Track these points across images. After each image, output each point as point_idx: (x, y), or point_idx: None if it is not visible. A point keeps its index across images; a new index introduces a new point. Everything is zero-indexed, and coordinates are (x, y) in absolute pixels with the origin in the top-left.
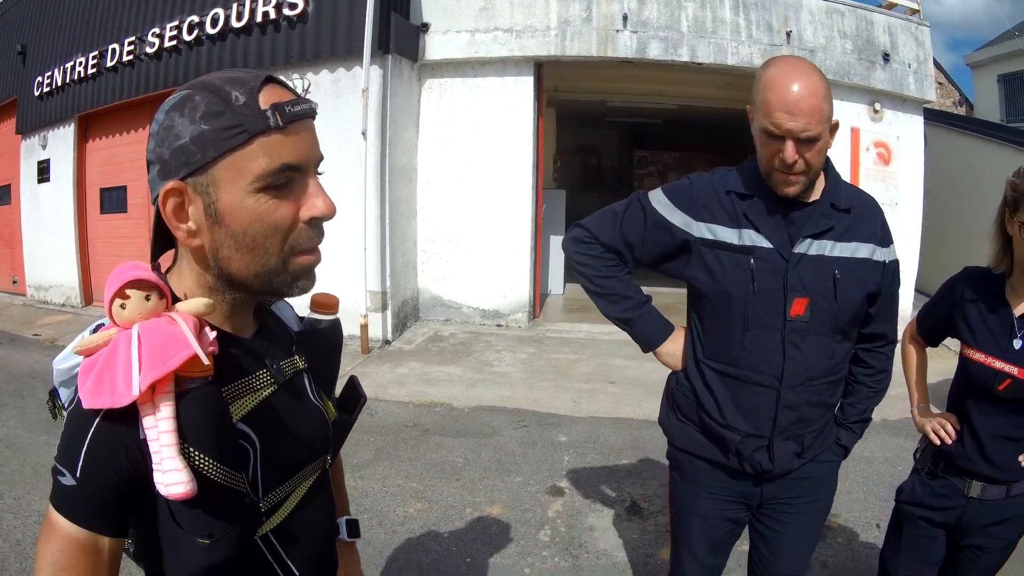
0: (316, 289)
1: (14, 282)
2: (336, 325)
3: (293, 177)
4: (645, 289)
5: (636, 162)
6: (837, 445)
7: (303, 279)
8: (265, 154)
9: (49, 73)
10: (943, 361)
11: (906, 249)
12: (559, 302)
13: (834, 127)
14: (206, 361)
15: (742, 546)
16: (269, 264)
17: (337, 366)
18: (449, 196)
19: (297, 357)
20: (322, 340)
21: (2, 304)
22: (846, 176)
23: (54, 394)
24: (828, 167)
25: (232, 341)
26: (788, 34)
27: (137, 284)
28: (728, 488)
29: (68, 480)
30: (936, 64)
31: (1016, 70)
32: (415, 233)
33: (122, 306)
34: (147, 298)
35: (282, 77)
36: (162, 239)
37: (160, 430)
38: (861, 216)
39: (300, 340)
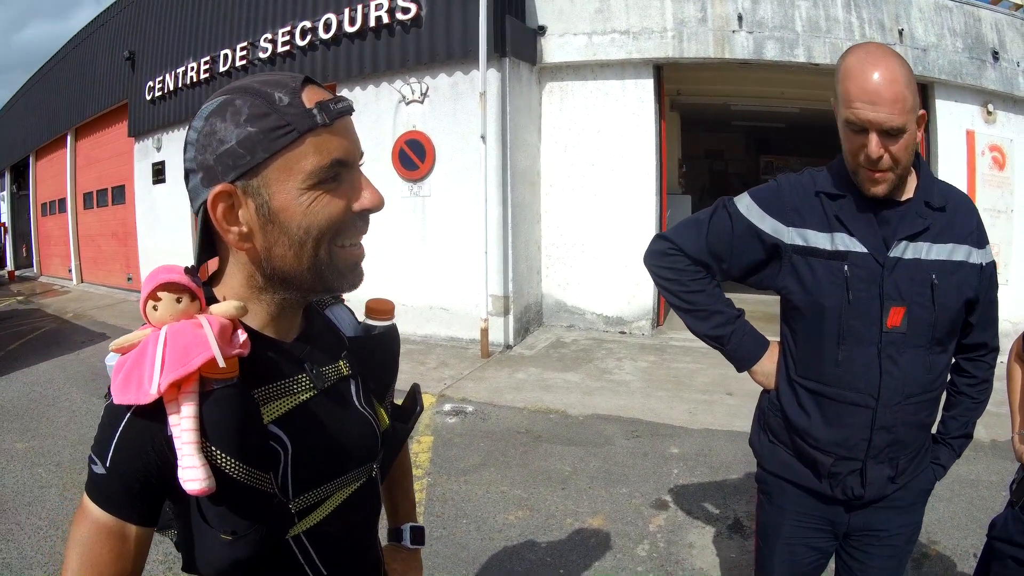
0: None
1: (128, 279)
2: (391, 331)
3: (341, 172)
4: (730, 297)
5: (762, 167)
6: (934, 464)
7: (351, 274)
8: (315, 151)
9: (160, 78)
10: None
11: (1020, 260)
12: None
13: (921, 119)
14: (222, 364)
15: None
16: (320, 258)
17: (394, 373)
18: (572, 200)
19: (343, 363)
20: (376, 347)
21: (116, 300)
22: (963, 182)
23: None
24: (919, 163)
25: (272, 344)
26: (900, 32)
27: (169, 287)
28: (816, 515)
29: (99, 469)
30: None
31: None
32: (539, 237)
33: (154, 307)
34: (178, 300)
35: (399, 81)
36: (206, 246)
37: (182, 428)
38: (956, 215)
39: (353, 346)
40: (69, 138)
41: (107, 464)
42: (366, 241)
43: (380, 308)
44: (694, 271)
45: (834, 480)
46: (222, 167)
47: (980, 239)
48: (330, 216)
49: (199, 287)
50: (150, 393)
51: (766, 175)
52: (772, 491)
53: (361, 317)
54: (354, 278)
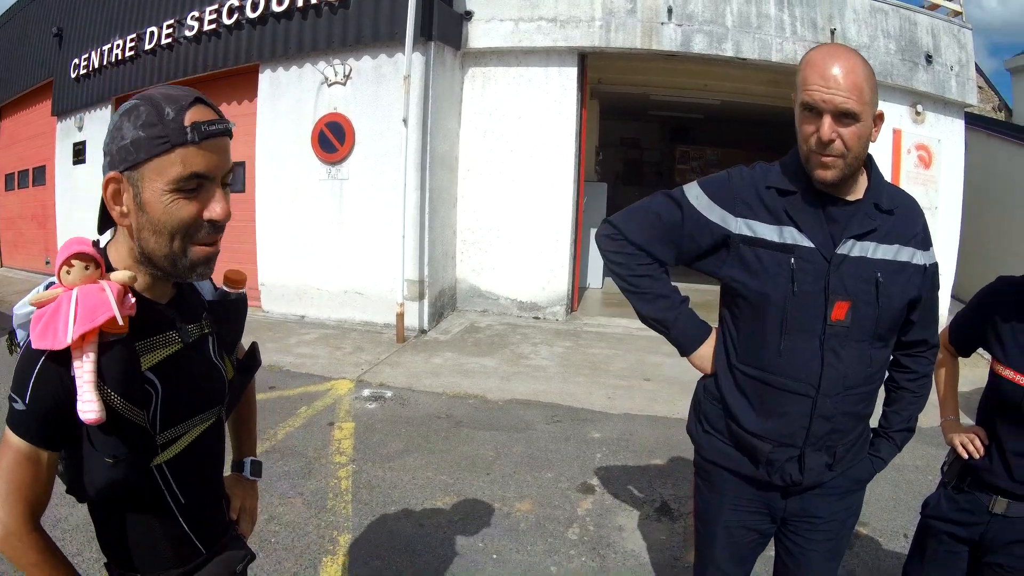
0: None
1: (47, 263)
2: (243, 298)
3: (202, 183)
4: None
5: (678, 157)
6: (874, 457)
7: (201, 267)
8: (181, 162)
9: (86, 55)
10: (976, 370)
11: (944, 255)
12: (597, 296)
13: (879, 117)
14: (121, 322)
15: (769, 552)
16: (173, 250)
17: (240, 333)
18: (490, 186)
19: (204, 323)
20: (230, 310)
21: (36, 284)
22: (887, 179)
23: (12, 334)
24: (871, 166)
25: (150, 306)
26: (832, 32)
27: (80, 256)
28: (753, 499)
29: (20, 406)
30: (977, 68)
31: None
32: (455, 222)
33: (67, 272)
34: (86, 267)
35: (323, 62)
36: (106, 217)
37: (84, 370)
38: (904, 218)
39: (211, 308)
40: None
41: (26, 401)
42: (283, 222)
43: (235, 279)
44: (641, 255)
45: (772, 467)
46: (118, 157)
47: (925, 241)
48: (181, 218)
49: (101, 258)
50: (65, 342)
51: (681, 164)
52: (710, 477)
53: (220, 284)
54: (204, 270)
